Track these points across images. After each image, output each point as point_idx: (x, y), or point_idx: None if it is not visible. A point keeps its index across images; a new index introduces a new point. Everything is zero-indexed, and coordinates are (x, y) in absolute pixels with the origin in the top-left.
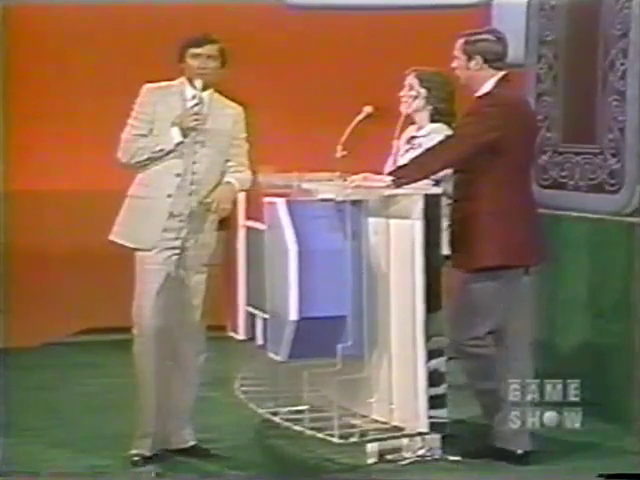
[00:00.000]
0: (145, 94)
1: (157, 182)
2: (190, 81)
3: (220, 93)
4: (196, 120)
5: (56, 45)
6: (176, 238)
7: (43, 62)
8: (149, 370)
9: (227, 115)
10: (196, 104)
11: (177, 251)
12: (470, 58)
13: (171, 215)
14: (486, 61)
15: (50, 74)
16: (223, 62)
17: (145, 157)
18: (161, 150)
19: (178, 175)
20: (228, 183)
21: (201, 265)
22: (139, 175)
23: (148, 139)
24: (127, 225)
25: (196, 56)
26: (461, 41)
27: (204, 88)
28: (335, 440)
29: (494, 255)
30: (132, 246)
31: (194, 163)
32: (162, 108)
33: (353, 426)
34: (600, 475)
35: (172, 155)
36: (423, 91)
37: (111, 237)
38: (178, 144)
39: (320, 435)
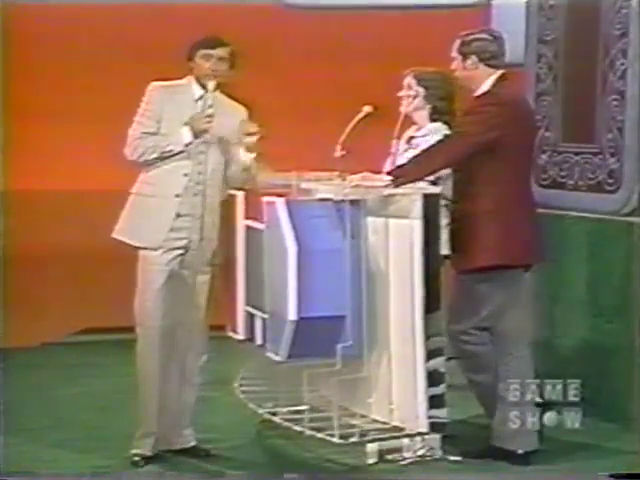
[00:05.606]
0: (152, 92)
1: (165, 181)
2: (198, 80)
3: (222, 93)
4: (209, 122)
5: (56, 44)
6: (181, 238)
7: (43, 61)
8: (152, 370)
9: (233, 116)
10: (209, 106)
11: (182, 251)
12: (465, 58)
13: (178, 215)
14: (482, 60)
15: (50, 74)
16: (232, 64)
17: (154, 156)
18: (171, 150)
19: (186, 175)
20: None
21: (205, 265)
22: (144, 173)
23: (157, 137)
24: (132, 223)
25: (208, 57)
26: (457, 42)
27: (213, 89)
28: (335, 440)
29: (492, 255)
30: (137, 245)
31: (200, 164)
32: (170, 107)
33: (353, 426)
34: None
35: (181, 155)
36: (421, 90)
37: (114, 235)
38: (188, 144)
39: (320, 435)
